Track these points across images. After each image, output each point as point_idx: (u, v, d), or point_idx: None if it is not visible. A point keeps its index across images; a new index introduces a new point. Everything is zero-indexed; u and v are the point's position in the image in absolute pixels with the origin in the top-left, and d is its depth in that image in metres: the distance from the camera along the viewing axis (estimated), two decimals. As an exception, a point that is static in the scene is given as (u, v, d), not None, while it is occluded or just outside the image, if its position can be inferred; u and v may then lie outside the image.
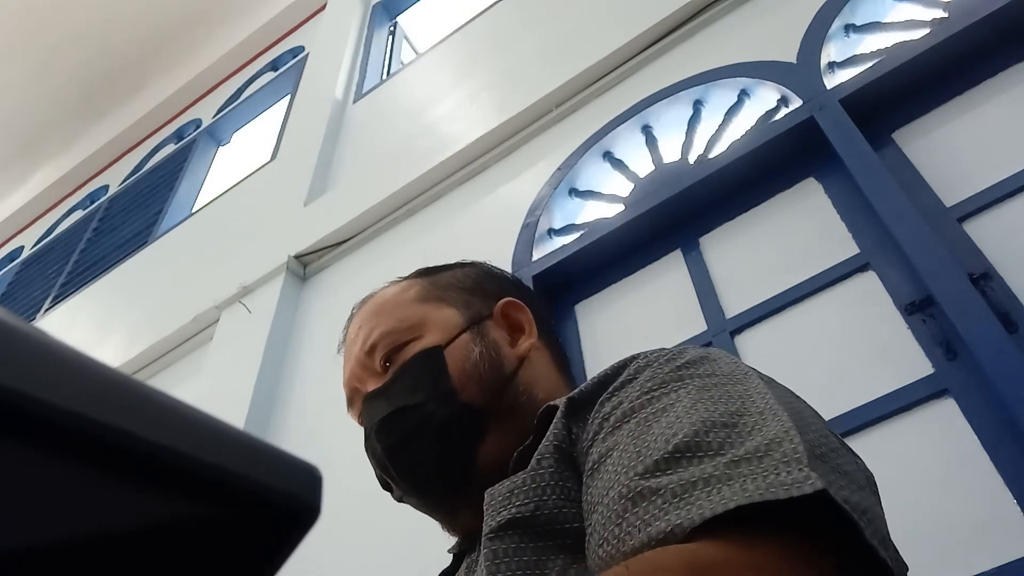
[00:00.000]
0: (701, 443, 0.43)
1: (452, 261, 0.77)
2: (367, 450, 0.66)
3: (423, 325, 0.67)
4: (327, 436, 1.97)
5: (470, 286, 0.72)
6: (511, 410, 0.64)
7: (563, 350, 0.75)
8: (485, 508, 0.52)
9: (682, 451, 0.43)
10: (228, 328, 2.58)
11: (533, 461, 0.52)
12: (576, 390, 0.56)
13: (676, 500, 0.40)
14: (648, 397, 0.49)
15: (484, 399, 0.63)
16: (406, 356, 0.65)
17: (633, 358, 0.56)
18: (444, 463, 0.62)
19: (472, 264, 0.77)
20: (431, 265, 0.76)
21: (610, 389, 0.53)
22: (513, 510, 0.50)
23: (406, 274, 0.76)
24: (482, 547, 0.50)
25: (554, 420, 0.55)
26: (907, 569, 0.44)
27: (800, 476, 0.38)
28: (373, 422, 0.64)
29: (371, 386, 0.66)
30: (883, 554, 0.39)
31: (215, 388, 2.36)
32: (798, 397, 0.51)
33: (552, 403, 0.58)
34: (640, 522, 0.40)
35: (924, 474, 1.15)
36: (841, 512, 0.38)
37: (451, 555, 0.67)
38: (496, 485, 0.52)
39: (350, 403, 0.70)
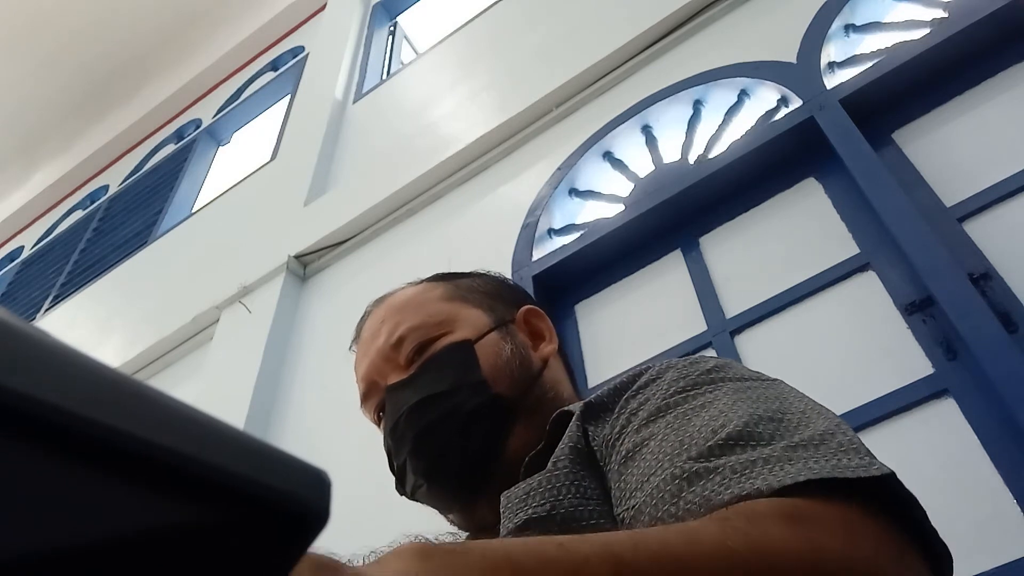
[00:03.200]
0: (752, 433, 0.43)
1: (468, 270, 0.78)
2: (390, 440, 0.65)
3: (452, 322, 0.68)
4: (327, 436, 1.97)
5: (491, 292, 0.73)
6: (538, 407, 0.65)
7: (570, 362, 0.77)
8: (502, 511, 0.52)
9: (735, 439, 0.42)
10: (228, 328, 2.58)
11: (549, 463, 0.53)
12: (593, 396, 0.57)
13: (737, 476, 0.39)
14: (683, 395, 0.49)
15: (514, 393, 0.64)
16: (436, 349, 0.66)
17: (648, 366, 0.56)
18: (472, 452, 0.62)
19: (488, 273, 0.78)
20: (447, 271, 0.77)
21: (633, 388, 0.54)
22: (529, 511, 0.50)
23: (421, 274, 0.77)
24: None
25: (570, 424, 0.55)
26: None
27: (863, 462, 0.39)
28: (400, 411, 0.64)
29: (394, 379, 0.66)
30: (941, 539, 0.40)
31: (215, 388, 2.36)
32: None
33: (565, 409, 0.58)
34: (700, 499, 0.40)
35: (924, 474, 1.15)
36: (902, 499, 0.39)
37: None
38: (512, 488, 0.53)
39: (366, 398, 0.69)
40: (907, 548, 0.38)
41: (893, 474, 0.38)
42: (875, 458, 0.41)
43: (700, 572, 0.33)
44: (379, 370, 0.68)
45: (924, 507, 0.40)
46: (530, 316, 0.72)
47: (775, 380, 0.52)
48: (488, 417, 0.63)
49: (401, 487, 0.66)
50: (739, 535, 0.34)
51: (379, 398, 0.67)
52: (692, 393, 0.49)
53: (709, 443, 0.43)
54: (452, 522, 0.66)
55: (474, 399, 0.63)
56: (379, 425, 0.69)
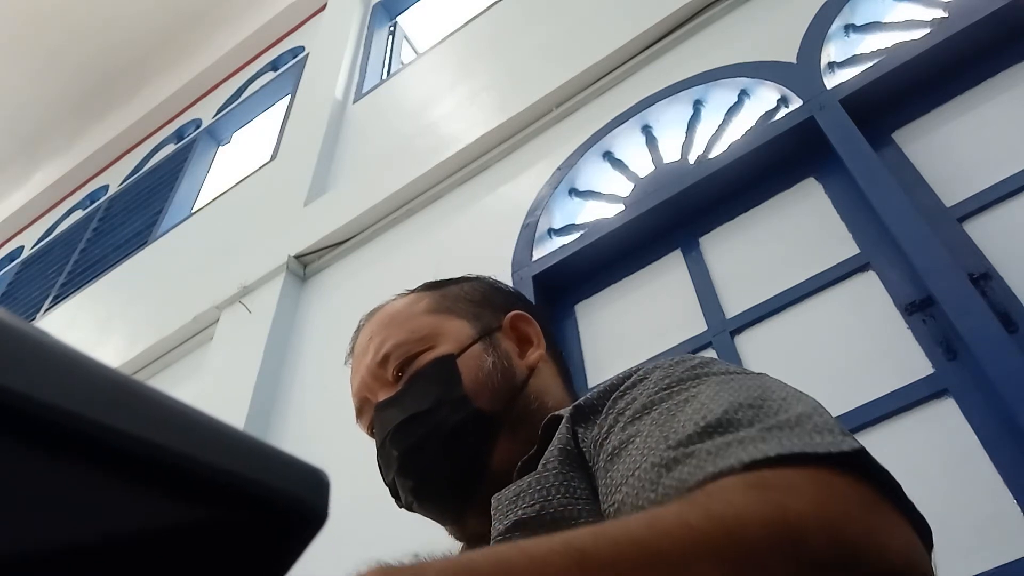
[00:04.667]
0: (732, 420, 0.43)
1: (457, 275, 0.78)
2: (380, 459, 0.66)
3: (435, 336, 0.68)
4: (327, 436, 1.97)
5: (478, 299, 0.73)
6: (522, 418, 0.65)
7: (566, 363, 0.76)
8: (492, 513, 0.52)
9: (714, 426, 0.43)
10: (228, 328, 2.58)
11: (539, 465, 0.53)
12: (582, 398, 0.57)
13: (711, 457, 0.40)
14: (667, 392, 0.50)
15: (497, 407, 0.65)
16: (419, 365, 0.66)
17: (638, 367, 0.57)
18: (457, 468, 0.63)
19: (478, 278, 0.78)
20: (437, 279, 0.77)
21: (621, 389, 0.54)
22: (519, 512, 0.50)
23: (410, 284, 0.77)
24: None
25: (559, 426, 0.56)
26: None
27: (836, 440, 0.39)
28: (387, 430, 0.64)
29: (382, 396, 0.67)
30: (917, 510, 0.40)
31: (215, 388, 2.36)
32: None
33: (556, 413, 0.58)
34: (676, 483, 0.40)
35: (924, 474, 1.16)
36: (874, 475, 0.39)
37: None
38: (502, 490, 0.53)
39: (359, 413, 0.70)
40: (883, 502, 0.38)
41: (864, 450, 0.39)
42: (851, 437, 0.41)
43: (663, 552, 0.32)
44: (369, 387, 0.69)
45: (920, 504, 0.40)
46: (517, 321, 0.72)
47: (760, 373, 0.52)
48: (471, 433, 0.63)
49: (397, 501, 0.67)
50: (699, 510, 0.34)
51: (371, 415, 0.68)
52: (676, 389, 0.50)
53: (689, 432, 0.43)
54: (450, 533, 0.67)
55: (456, 416, 0.63)
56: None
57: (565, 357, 0.78)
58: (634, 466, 0.45)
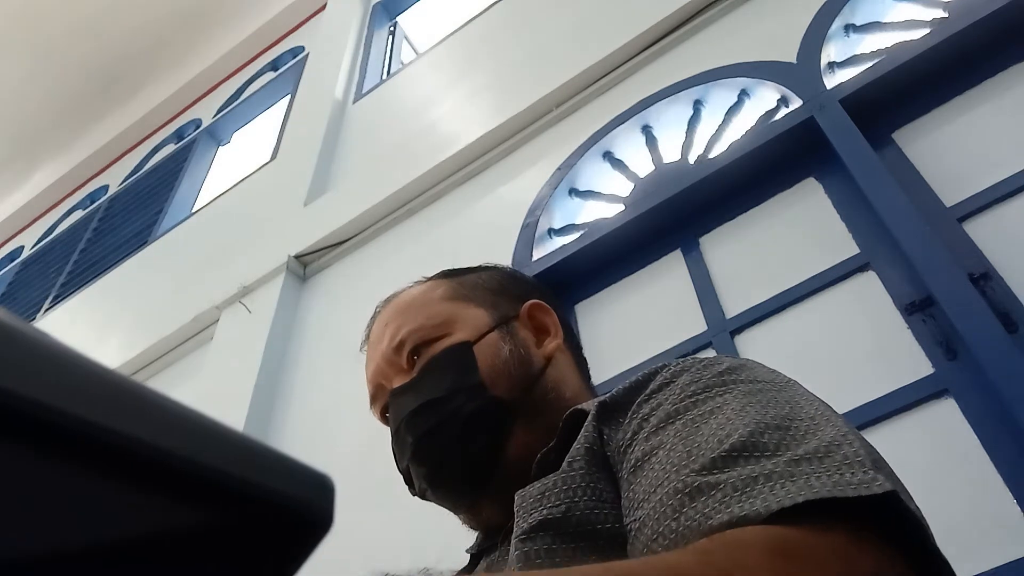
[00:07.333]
0: (757, 443, 0.42)
1: (474, 264, 0.78)
2: (395, 445, 0.66)
3: (452, 323, 0.68)
4: (327, 436, 1.97)
5: (496, 287, 0.73)
6: (539, 408, 0.64)
7: (583, 354, 0.76)
8: (516, 510, 0.52)
9: (739, 450, 0.42)
10: (228, 328, 2.58)
11: (564, 463, 0.52)
12: (607, 395, 0.57)
13: (737, 494, 0.39)
14: (692, 400, 0.49)
15: (513, 395, 0.64)
16: (434, 352, 0.66)
17: (665, 365, 0.56)
18: (472, 456, 0.62)
19: (495, 267, 0.78)
20: (453, 267, 0.77)
21: (647, 392, 0.53)
22: (544, 511, 0.50)
23: (421, 274, 0.77)
24: (513, 548, 0.50)
25: (584, 423, 0.55)
26: None
27: (867, 478, 0.38)
28: (402, 416, 0.64)
29: (397, 382, 0.67)
30: (943, 557, 0.39)
31: (215, 388, 2.36)
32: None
33: (579, 407, 0.58)
34: (700, 516, 0.39)
35: (924, 474, 1.15)
36: (904, 516, 0.38)
37: (469, 555, 0.67)
38: (527, 487, 0.52)
39: (374, 400, 0.70)
40: (907, 572, 0.38)
41: (895, 492, 0.38)
42: (881, 469, 0.40)
43: None
44: (384, 373, 0.68)
45: (926, 513, 0.40)
46: (534, 311, 0.72)
47: (789, 381, 0.51)
48: (487, 420, 0.62)
49: (411, 488, 0.67)
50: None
51: (385, 401, 0.68)
52: (702, 397, 0.49)
53: (713, 455, 0.42)
54: (463, 521, 0.67)
55: (472, 403, 0.63)
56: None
57: (582, 347, 0.78)
58: (656, 482, 0.44)
